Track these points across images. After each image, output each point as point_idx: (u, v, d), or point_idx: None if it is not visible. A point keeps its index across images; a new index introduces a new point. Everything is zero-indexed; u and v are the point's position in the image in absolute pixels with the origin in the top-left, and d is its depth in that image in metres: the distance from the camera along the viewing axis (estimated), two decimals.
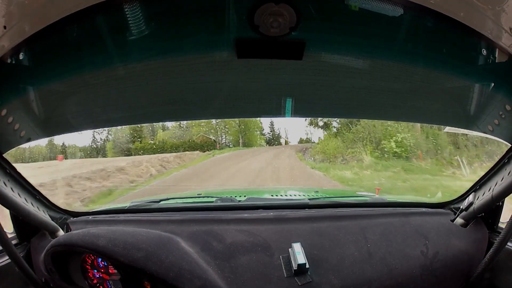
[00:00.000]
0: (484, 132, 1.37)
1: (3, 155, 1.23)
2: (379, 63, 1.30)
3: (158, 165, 14.19)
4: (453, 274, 1.35)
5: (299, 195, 2.23)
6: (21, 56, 1.02)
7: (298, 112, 1.64)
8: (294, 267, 1.21)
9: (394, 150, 12.93)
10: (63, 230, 1.47)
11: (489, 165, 1.39)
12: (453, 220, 1.51)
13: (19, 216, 1.31)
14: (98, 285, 1.35)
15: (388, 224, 1.46)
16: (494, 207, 1.41)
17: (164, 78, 1.36)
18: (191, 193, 2.62)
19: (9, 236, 1.30)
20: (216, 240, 1.33)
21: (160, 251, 1.21)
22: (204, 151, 19.65)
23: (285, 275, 1.23)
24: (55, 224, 1.43)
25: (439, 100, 1.46)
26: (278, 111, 1.60)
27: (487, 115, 1.31)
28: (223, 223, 1.44)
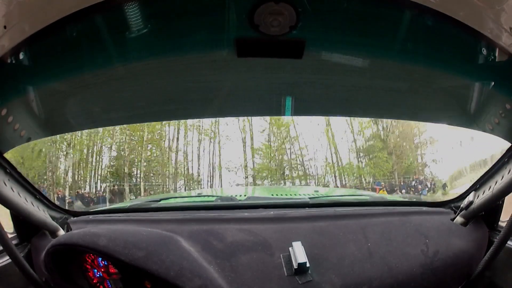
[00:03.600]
0: (484, 131, 1.37)
1: (3, 155, 1.23)
2: (379, 62, 1.30)
3: None
4: (453, 273, 1.35)
5: (300, 194, 2.24)
6: (21, 56, 1.01)
7: (298, 111, 1.64)
8: (295, 266, 1.21)
9: None
10: (63, 229, 1.47)
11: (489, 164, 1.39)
12: (453, 219, 1.51)
13: (19, 216, 1.31)
14: (98, 284, 1.35)
15: (388, 223, 1.46)
16: (494, 206, 1.41)
17: (164, 77, 1.36)
18: (191, 192, 2.62)
19: (10, 236, 1.30)
20: (216, 239, 1.34)
21: (161, 250, 1.21)
22: None
23: (286, 274, 1.23)
24: (56, 224, 1.43)
25: (439, 99, 1.46)
26: (278, 110, 1.60)
27: (487, 114, 1.32)
28: (224, 222, 1.44)
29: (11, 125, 1.21)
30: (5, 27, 0.86)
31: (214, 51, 1.23)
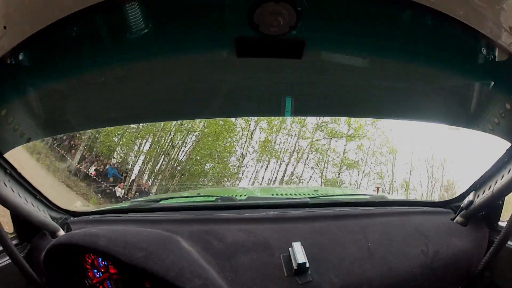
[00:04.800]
0: (484, 131, 1.37)
1: (4, 155, 1.23)
2: (378, 61, 1.30)
3: None
4: (453, 273, 1.35)
5: (300, 194, 2.23)
6: (21, 56, 1.01)
7: (298, 111, 1.64)
8: (295, 266, 1.21)
9: None
10: (63, 230, 1.47)
11: (489, 163, 1.40)
12: (453, 219, 1.51)
13: (19, 216, 1.31)
14: (98, 284, 1.35)
15: (388, 223, 1.46)
16: (494, 206, 1.41)
17: (164, 77, 1.36)
18: (191, 192, 2.62)
19: (10, 236, 1.30)
20: (216, 239, 1.33)
21: (161, 250, 1.21)
22: None
23: (286, 274, 1.23)
24: (56, 224, 1.43)
25: (439, 98, 1.46)
26: (278, 110, 1.60)
27: (487, 114, 1.32)
28: (224, 223, 1.44)
29: (11, 125, 1.21)
30: (5, 27, 0.86)
31: (214, 51, 1.23)
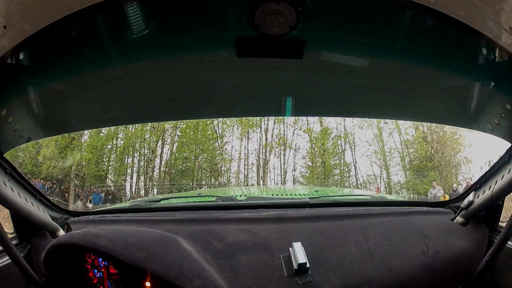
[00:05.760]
0: (484, 131, 1.37)
1: (3, 155, 1.23)
2: (379, 62, 1.30)
3: None
4: (453, 273, 1.35)
5: (300, 194, 2.24)
6: (21, 56, 1.01)
7: (298, 111, 1.64)
8: (295, 266, 1.21)
9: None
10: (63, 230, 1.47)
11: (489, 164, 1.40)
12: (453, 219, 1.51)
13: (19, 216, 1.31)
14: (98, 284, 1.35)
15: (388, 223, 1.46)
16: (494, 206, 1.41)
17: (164, 77, 1.36)
18: (191, 192, 2.62)
19: (10, 236, 1.30)
20: (216, 239, 1.33)
21: (161, 250, 1.21)
22: None
23: (286, 275, 1.23)
24: (56, 224, 1.43)
25: (439, 99, 1.46)
26: (278, 110, 1.60)
27: (488, 114, 1.32)
28: (224, 223, 1.44)
29: (11, 125, 1.21)
30: (5, 27, 0.86)
31: (214, 51, 1.23)
